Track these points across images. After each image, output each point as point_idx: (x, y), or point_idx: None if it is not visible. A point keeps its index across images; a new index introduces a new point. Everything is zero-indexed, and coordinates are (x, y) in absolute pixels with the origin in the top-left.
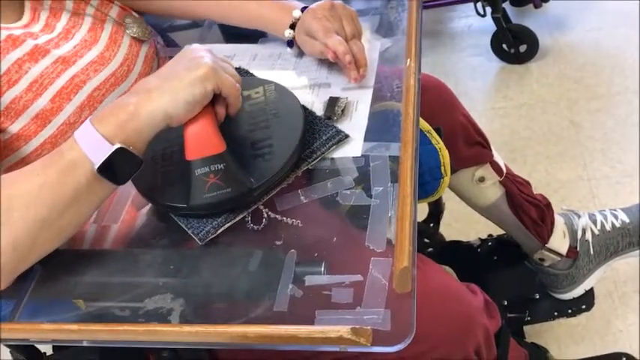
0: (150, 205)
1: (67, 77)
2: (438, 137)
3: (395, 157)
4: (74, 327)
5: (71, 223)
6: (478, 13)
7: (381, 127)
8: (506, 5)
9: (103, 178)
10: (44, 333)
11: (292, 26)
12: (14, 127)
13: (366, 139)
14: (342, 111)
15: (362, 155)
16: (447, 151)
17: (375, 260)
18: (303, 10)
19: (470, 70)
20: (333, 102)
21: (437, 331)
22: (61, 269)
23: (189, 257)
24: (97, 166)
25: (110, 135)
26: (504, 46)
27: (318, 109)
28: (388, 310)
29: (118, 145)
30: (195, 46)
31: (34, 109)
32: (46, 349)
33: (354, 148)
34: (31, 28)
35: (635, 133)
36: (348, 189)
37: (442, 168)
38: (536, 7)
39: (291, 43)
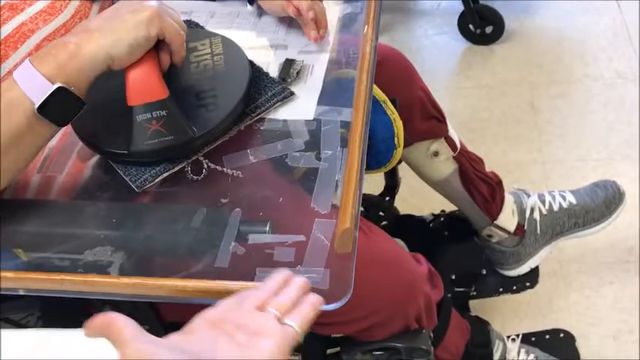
0: (96, 157)
1: (14, 24)
2: (393, 108)
3: (346, 122)
4: (10, 274)
5: (12, 166)
6: None
7: (335, 92)
8: None
9: (43, 118)
10: None
11: None
12: None
13: (319, 104)
14: (297, 73)
15: (314, 119)
16: (401, 122)
17: (318, 221)
18: None
19: (435, 49)
20: (288, 64)
21: (379, 296)
22: (1, 218)
23: (132, 211)
24: (37, 105)
25: (50, 74)
26: (471, 26)
27: (274, 71)
28: (327, 269)
29: (58, 84)
30: None
31: None
32: None
33: (306, 111)
34: None
35: (591, 120)
36: (298, 151)
37: (396, 139)
38: None
39: (251, 0)
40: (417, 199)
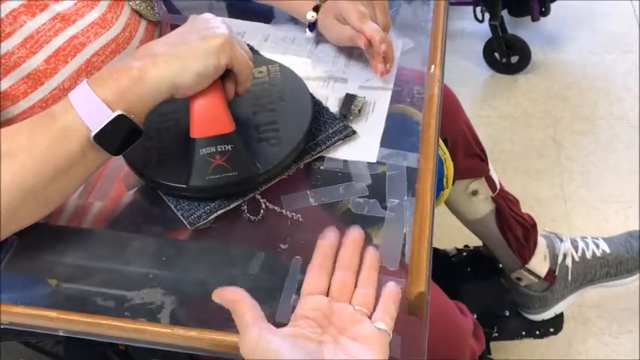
0: (140, 185)
1: (65, 37)
2: (445, 147)
3: (412, 168)
4: (53, 314)
5: (59, 194)
6: (476, 18)
7: (398, 133)
8: (504, 14)
9: (98, 146)
10: (17, 317)
11: (315, 9)
12: (2, 85)
13: (381, 145)
14: (359, 111)
15: (377, 162)
16: (451, 162)
17: (387, 279)
18: None
19: (458, 75)
20: (349, 99)
21: (427, 350)
22: (40, 245)
23: (183, 249)
24: (93, 133)
25: (110, 100)
26: (496, 54)
27: (333, 105)
28: (399, 336)
29: (118, 112)
30: (208, 15)
31: (26, 67)
32: None
33: (368, 152)
34: None
35: (614, 160)
36: (361, 197)
37: (444, 180)
38: (533, 19)
39: (312, 26)
40: (437, 227)
